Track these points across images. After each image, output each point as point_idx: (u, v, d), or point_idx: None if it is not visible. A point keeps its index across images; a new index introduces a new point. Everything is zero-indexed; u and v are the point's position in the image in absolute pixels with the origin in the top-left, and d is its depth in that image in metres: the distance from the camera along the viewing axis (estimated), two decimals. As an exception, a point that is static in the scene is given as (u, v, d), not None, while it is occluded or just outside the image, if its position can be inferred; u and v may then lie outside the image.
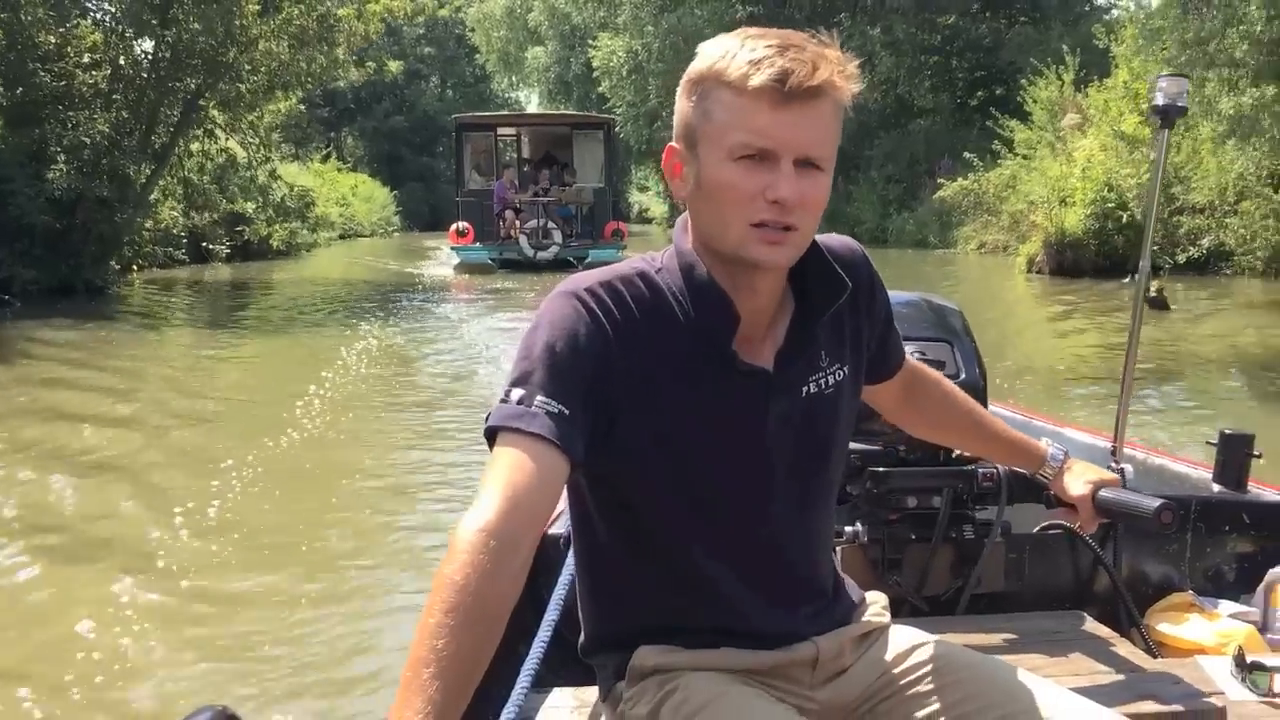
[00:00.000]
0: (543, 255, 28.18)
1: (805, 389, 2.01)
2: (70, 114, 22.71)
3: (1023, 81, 32.43)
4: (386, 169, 62.45)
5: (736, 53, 1.83)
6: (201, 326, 20.09)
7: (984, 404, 3.02)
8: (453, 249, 29.37)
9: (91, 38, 23.23)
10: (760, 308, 1.97)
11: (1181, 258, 24.49)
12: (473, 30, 67.71)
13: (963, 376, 3.08)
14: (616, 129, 36.75)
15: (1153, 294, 16.77)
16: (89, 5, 22.98)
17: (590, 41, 52.22)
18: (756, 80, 1.79)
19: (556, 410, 1.78)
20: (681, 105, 1.92)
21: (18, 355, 15.25)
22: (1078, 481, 2.48)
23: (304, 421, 10.46)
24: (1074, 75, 30.25)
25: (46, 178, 21.45)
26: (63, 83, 22.62)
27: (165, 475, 8.78)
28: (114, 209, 22.58)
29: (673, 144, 1.95)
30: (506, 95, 72.24)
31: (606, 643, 2.12)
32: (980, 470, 2.94)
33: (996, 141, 31.95)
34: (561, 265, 26.83)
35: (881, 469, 2.94)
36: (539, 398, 1.78)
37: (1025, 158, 30.73)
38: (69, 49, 22.78)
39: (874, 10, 43.49)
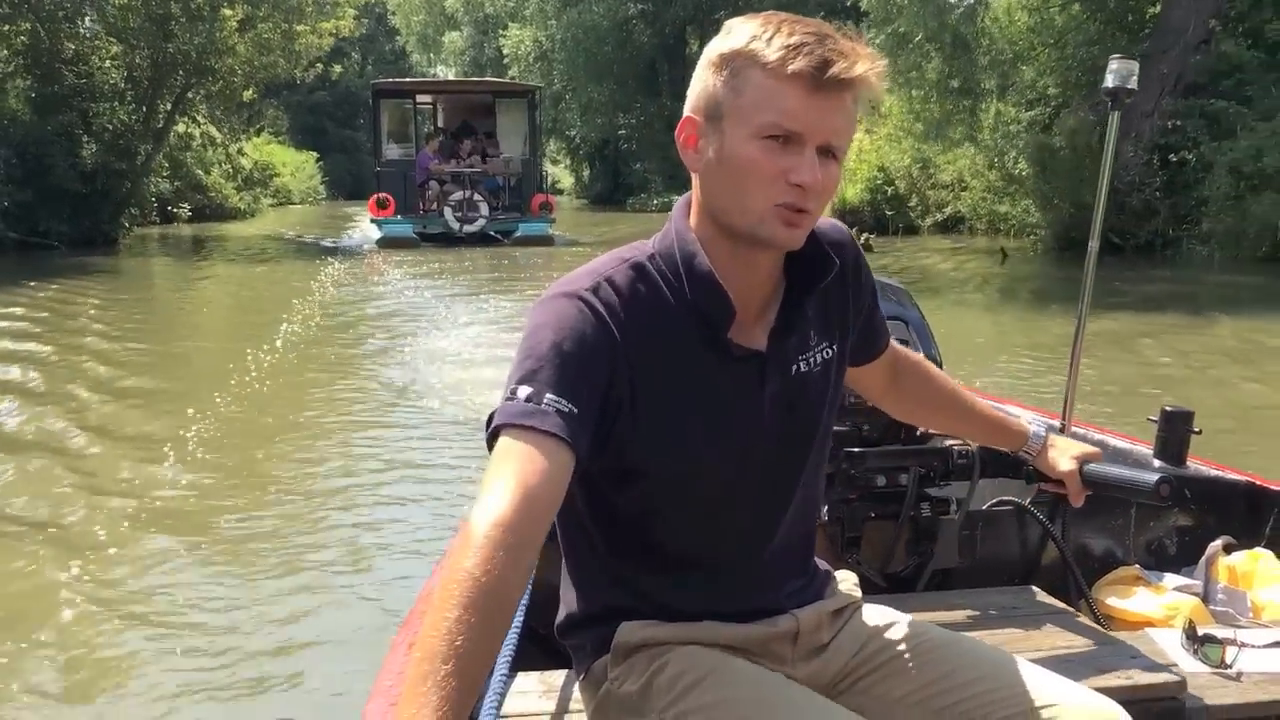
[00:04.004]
0: (469, 229, 21.30)
1: (795, 367, 1.59)
2: (92, 105, 22.41)
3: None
4: (310, 140, 54.83)
5: (773, 36, 1.44)
6: (187, 265, 20.45)
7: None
8: (373, 221, 22.05)
9: (113, 49, 23.04)
10: (757, 286, 1.56)
11: (929, 221, 24.92)
12: (393, 13, 60.14)
13: (920, 354, 2.41)
14: (539, 98, 27.63)
15: (861, 242, 16.77)
16: (111, 20, 22.67)
17: (501, 31, 47.24)
18: (796, 65, 1.41)
19: (566, 409, 1.39)
20: (707, 79, 1.49)
21: (70, 281, 15.74)
22: (1063, 457, 1.94)
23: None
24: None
25: (79, 154, 21.43)
26: (84, 80, 22.36)
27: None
28: (125, 178, 22.89)
29: (690, 115, 1.51)
30: (425, 72, 62.72)
31: (586, 621, 1.64)
32: (955, 448, 2.30)
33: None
34: (488, 240, 21.17)
35: (856, 449, 2.28)
36: (549, 396, 1.39)
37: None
38: (94, 56, 22.71)
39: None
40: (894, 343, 1.87)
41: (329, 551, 5.05)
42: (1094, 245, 2.44)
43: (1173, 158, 18.01)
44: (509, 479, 1.31)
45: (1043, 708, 1.51)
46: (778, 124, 1.42)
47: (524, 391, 1.38)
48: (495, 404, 1.42)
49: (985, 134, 21.88)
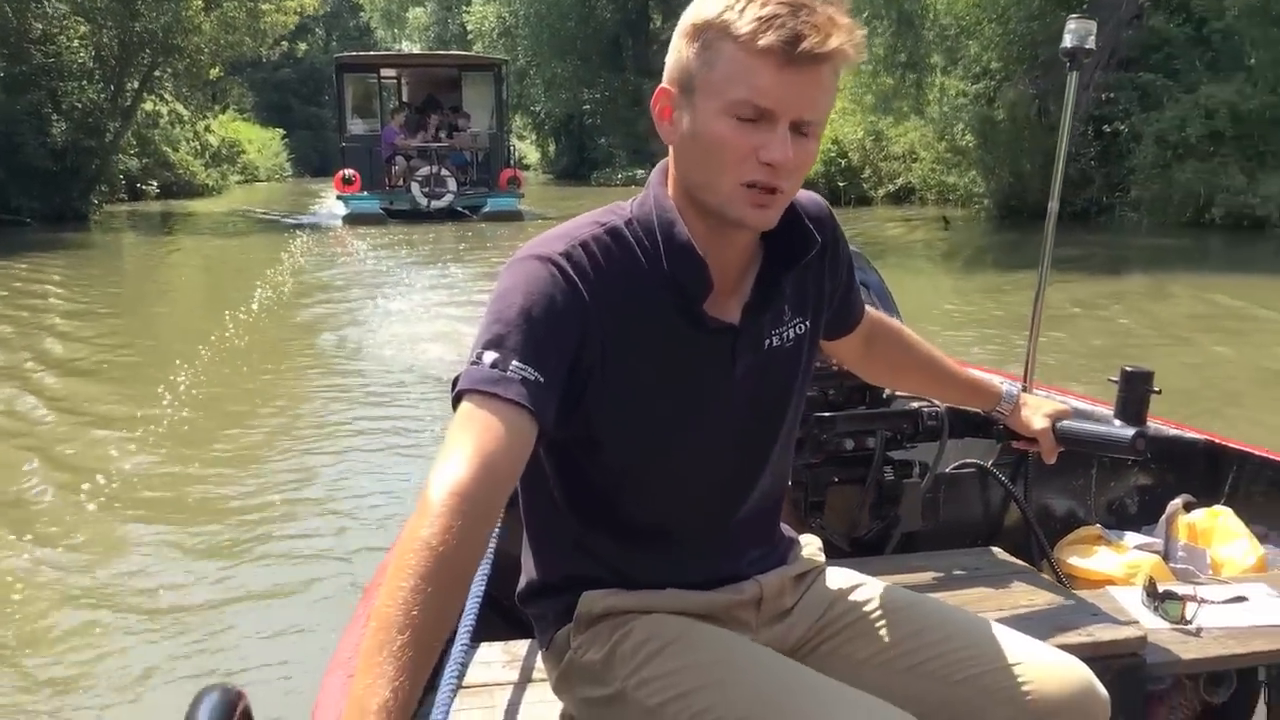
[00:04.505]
0: (437, 204, 20.00)
1: (768, 342, 1.49)
2: (60, 83, 21.86)
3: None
4: (276, 118, 51.98)
5: (745, 6, 1.31)
6: (156, 241, 20.02)
7: None
8: (340, 198, 20.74)
9: (81, 28, 22.25)
10: (734, 260, 1.46)
11: (882, 192, 25.00)
12: (358, -11, 57.57)
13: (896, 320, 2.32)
14: (506, 71, 25.76)
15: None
16: (78, 0, 22.05)
17: (465, 7, 45.81)
18: (766, 40, 1.29)
19: (532, 377, 1.29)
20: (681, 50, 1.37)
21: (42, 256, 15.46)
22: (1036, 415, 1.86)
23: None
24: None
25: (49, 133, 21.04)
26: (52, 59, 21.75)
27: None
28: (94, 156, 22.43)
29: (665, 86, 1.39)
30: (390, 47, 58.61)
31: (547, 590, 1.54)
32: (924, 409, 2.21)
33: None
34: (455, 215, 19.98)
35: (826, 414, 2.17)
36: (514, 363, 1.29)
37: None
38: (62, 35, 21.93)
39: None
40: (869, 309, 1.79)
41: (294, 523, 4.90)
42: (1054, 206, 2.35)
43: (1106, 128, 18.16)
44: (468, 447, 1.23)
45: (1006, 666, 1.45)
46: (749, 101, 1.30)
47: (490, 357, 1.29)
48: (462, 366, 1.33)
49: (933, 107, 21.88)
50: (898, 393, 2.26)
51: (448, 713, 1.23)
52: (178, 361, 8.00)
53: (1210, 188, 16.91)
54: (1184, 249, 14.98)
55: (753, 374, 1.48)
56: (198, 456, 5.97)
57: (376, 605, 1.12)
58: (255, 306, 10.53)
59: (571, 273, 1.35)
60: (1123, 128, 18.01)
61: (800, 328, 1.53)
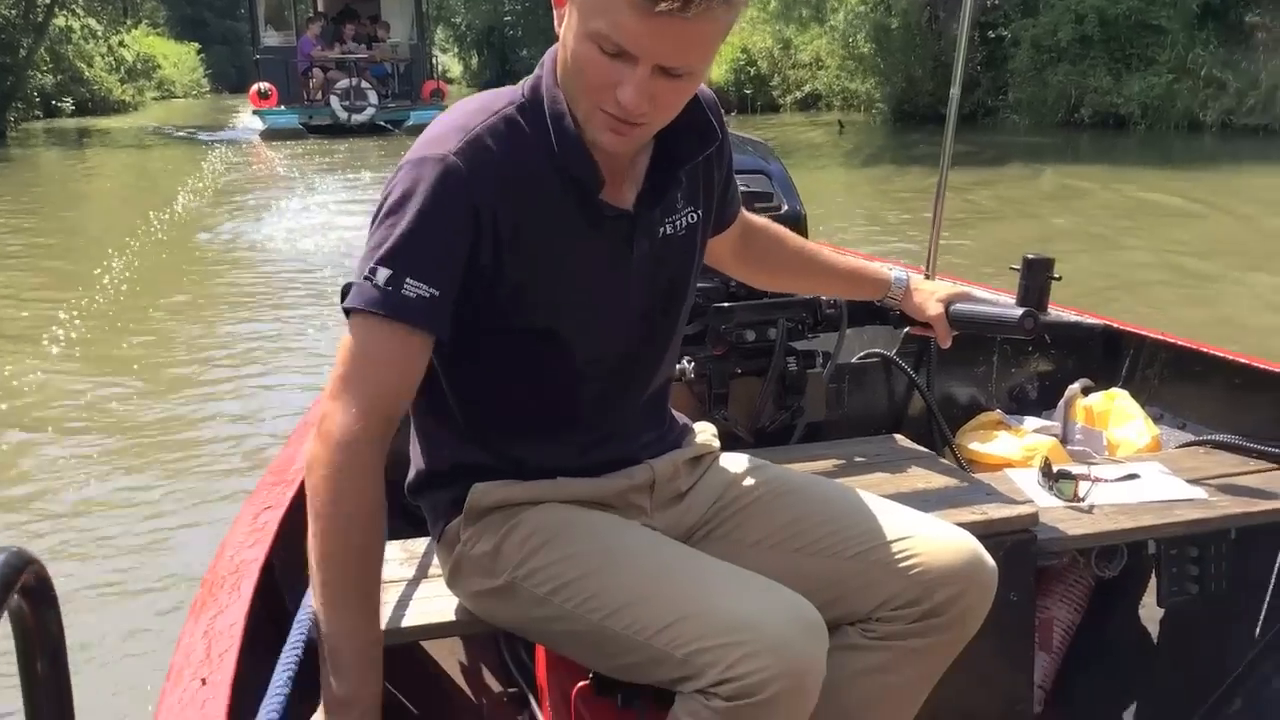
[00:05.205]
0: (357, 118, 18.55)
1: (662, 230, 1.40)
2: None
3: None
4: (191, 32, 48.62)
5: None
6: (74, 157, 19.07)
7: (806, 235, 2.15)
8: (256, 113, 19.49)
9: None
10: (623, 153, 1.32)
11: (789, 99, 24.73)
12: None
13: (785, 209, 2.21)
14: None
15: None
16: None
17: None
18: None
19: (428, 294, 1.21)
20: None
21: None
22: (929, 300, 1.77)
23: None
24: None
25: None
26: None
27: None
28: (8, 73, 21.22)
29: None
30: None
31: (437, 481, 1.44)
32: (823, 299, 2.07)
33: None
34: (378, 130, 18.47)
35: (726, 304, 2.02)
36: (408, 280, 1.20)
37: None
38: None
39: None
40: (743, 210, 1.67)
41: (202, 427, 4.76)
42: (955, 92, 2.21)
43: (991, 34, 18.15)
44: (363, 373, 1.20)
45: (895, 540, 1.40)
46: (607, 35, 1.16)
47: (383, 274, 1.20)
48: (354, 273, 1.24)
49: (837, 15, 21.67)
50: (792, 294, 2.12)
51: None
52: (96, 270, 7.73)
53: (1080, 89, 17.19)
54: (1058, 146, 15.26)
55: (648, 261, 1.39)
56: (107, 361, 5.80)
57: (311, 546, 1.18)
58: (168, 217, 10.21)
59: (465, 171, 1.23)
60: (1005, 33, 18.03)
61: (692, 217, 1.44)
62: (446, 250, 1.22)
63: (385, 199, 1.25)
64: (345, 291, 1.23)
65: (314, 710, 1.18)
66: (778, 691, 1.16)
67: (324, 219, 10.20)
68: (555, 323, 1.34)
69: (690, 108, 1.32)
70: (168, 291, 7.54)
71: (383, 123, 18.87)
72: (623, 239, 1.35)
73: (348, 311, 1.22)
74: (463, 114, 1.30)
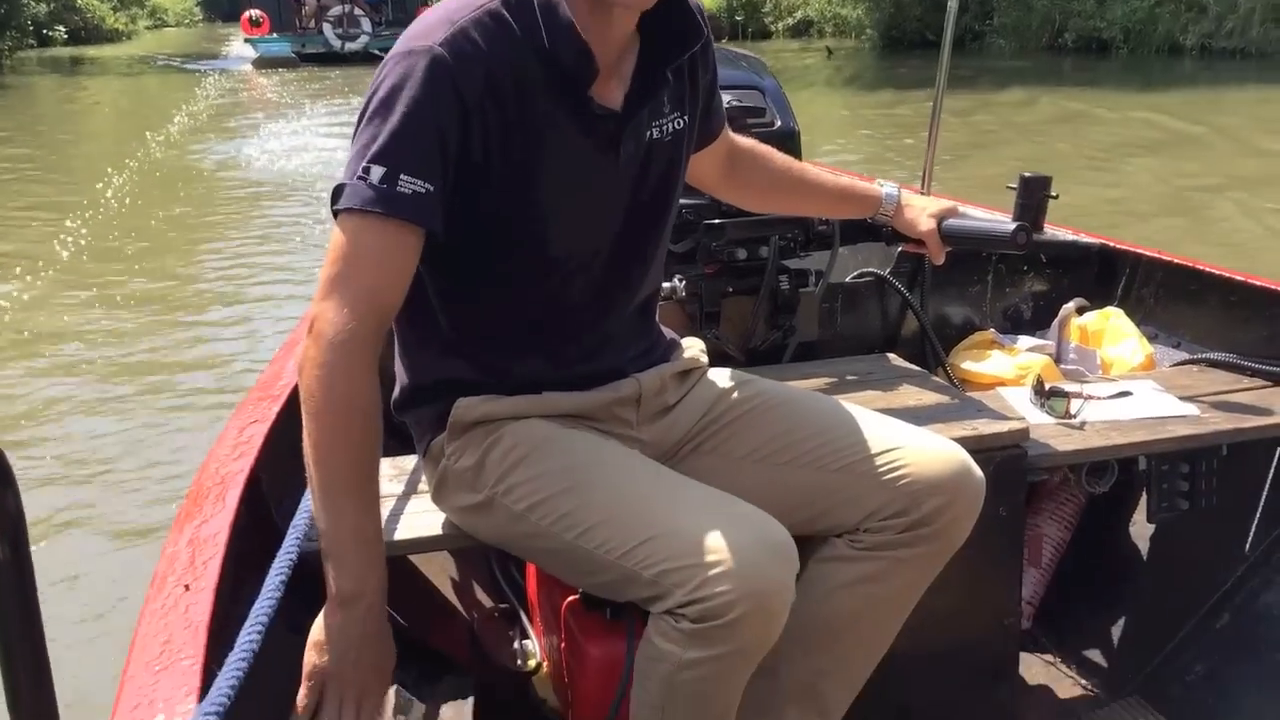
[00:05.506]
0: (351, 46, 17.90)
1: (649, 133, 1.35)
2: None
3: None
4: None
5: None
6: (69, 84, 18.64)
7: (799, 152, 2.05)
8: (248, 41, 18.85)
9: None
10: (614, 44, 1.30)
11: (781, 25, 24.51)
12: None
13: (778, 125, 2.11)
14: None
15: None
16: None
17: None
18: None
19: (423, 189, 1.17)
20: None
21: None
22: (921, 216, 1.70)
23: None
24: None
25: None
26: None
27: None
28: (1, 2, 20.93)
29: None
30: None
31: (422, 396, 1.40)
32: (815, 216, 1.99)
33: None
34: (371, 59, 17.25)
35: (717, 221, 1.94)
36: (403, 176, 1.16)
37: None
38: None
39: None
40: (728, 130, 1.61)
41: (191, 345, 4.73)
42: (953, 5, 2.09)
43: (979, -41, 17.98)
44: (356, 272, 1.16)
45: (882, 452, 1.36)
46: None
47: (377, 172, 1.16)
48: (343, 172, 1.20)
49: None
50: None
51: None
52: (90, 191, 7.68)
53: (1064, 13, 17.12)
54: (1041, 70, 15.22)
55: (635, 164, 1.34)
56: (97, 279, 5.76)
57: (308, 447, 1.14)
58: (163, 139, 10.10)
59: (452, 64, 1.18)
60: (994, -42, 17.92)
61: (679, 122, 1.39)
62: (438, 143, 1.18)
63: (372, 95, 1.20)
64: (336, 193, 1.18)
65: (309, 621, 1.15)
66: (742, 613, 1.13)
67: (314, 142, 10.08)
68: (540, 224, 1.29)
69: (676, 8, 1.30)
70: (157, 213, 7.48)
71: (377, 51, 18.23)
72: (610, 140, 1.30)
73: (342, 212, 1.18)
74: (447, 9, 1.23)
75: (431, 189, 1.17)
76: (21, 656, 0.68)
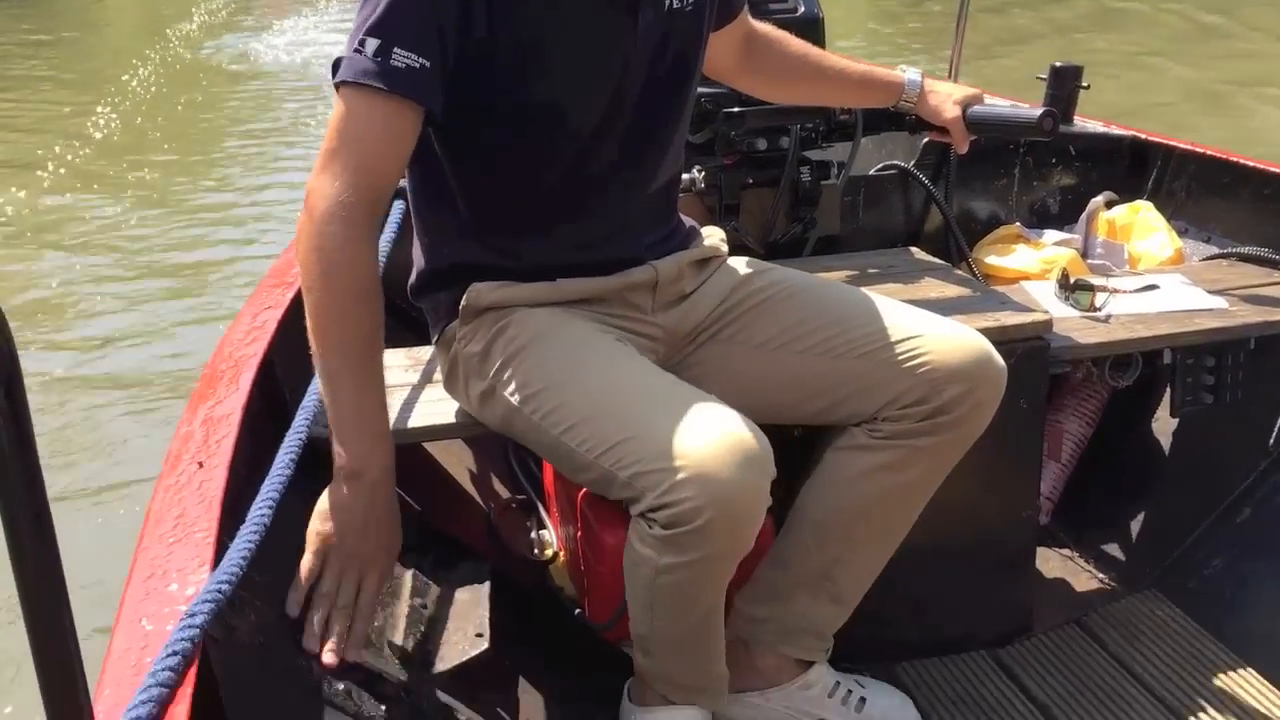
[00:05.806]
0: None
1: (669, 3, 1.29)
2: None
3: None
4: None
5: None
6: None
7: (823, 40, 1.96)
8: None
9: None
10: None
11: None
12: None
13: (801, 10, 2.01)
14: None
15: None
16: None
17: None
18: None
19: (418, 64, 1.14)
20: None
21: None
22: (945, 102, 1.63)
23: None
24: None
25: None
26: None
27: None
28: None
29: None
30: None
31: (437, 281, 1.38)
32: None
33: None
34: None
35: (736, 109, 1.86)
36: (397, 49, 1.13)
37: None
38: None
39: None
40: (747, 14, 1.56)
41: (205, 236, 4.77)
42: None
43: None
44: (352, 146, 1.14)
45: (903, 340, 1.34)
46: None
47: (372, 45, 1.14)
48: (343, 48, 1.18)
49: None
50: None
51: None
52: (111, 86, 7.73)
53: None
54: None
55: (653, 34, 1.29)
56: (113, 174, 5.77)
57: (310, 322, 1.13)
58: (184, 34, 9.94)
59: None
60: None
61: None
62: (435, 19, 1.15)
63: None
64: (335, 67, 1.17)
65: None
66: (709, 519, 1.12)
67: (327, 37, 9.99)
68: (556, 96, 1.26)
69: None
70: (177, 104, 7.49)
71: None
72: (627, 7, 1.25)
73: (339, 86, 1.17)
74: None
75: (428, 64, 1.15)
76: (25, 505, 0.62)
